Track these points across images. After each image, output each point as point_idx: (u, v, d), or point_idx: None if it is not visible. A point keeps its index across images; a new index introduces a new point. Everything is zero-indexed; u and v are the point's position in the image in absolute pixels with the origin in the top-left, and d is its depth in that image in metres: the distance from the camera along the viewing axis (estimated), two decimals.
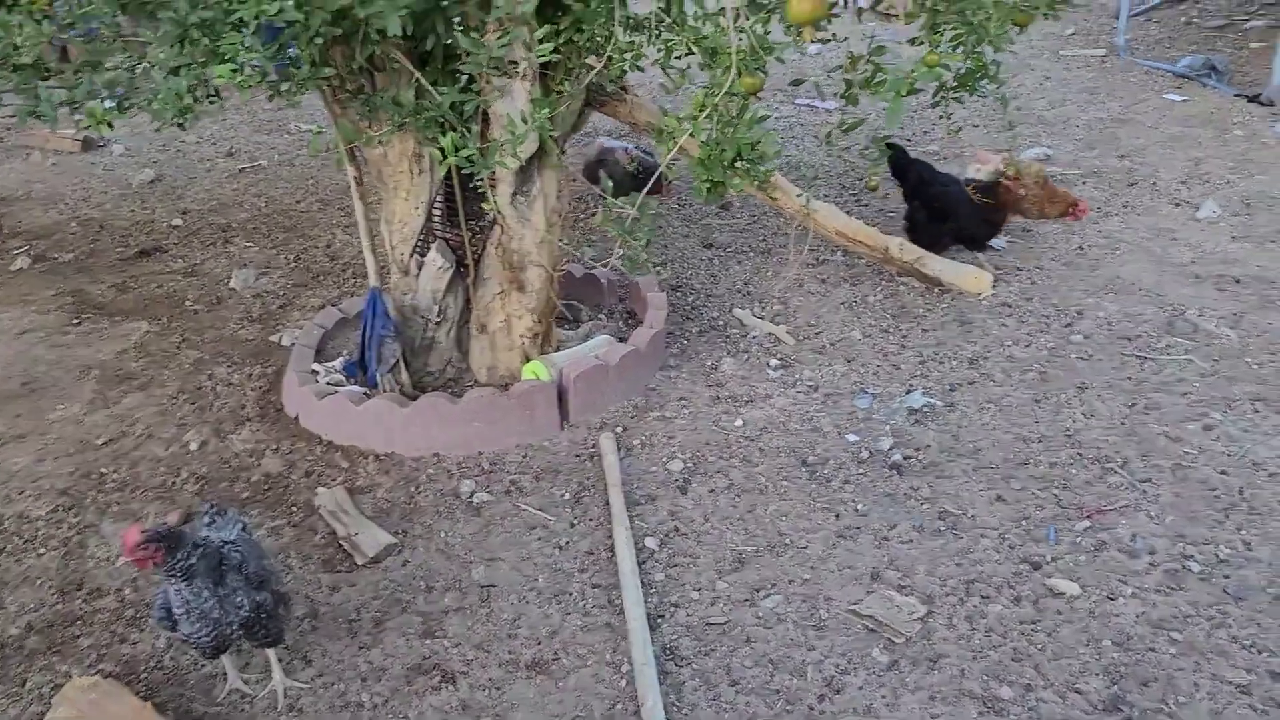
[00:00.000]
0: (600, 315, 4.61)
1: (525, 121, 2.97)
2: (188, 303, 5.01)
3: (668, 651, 2.89)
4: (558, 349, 4.16)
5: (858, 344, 4.39)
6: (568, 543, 3.34)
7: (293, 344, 4.34)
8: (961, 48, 3.30)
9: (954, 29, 3.25)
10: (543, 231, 3.80)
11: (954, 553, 3.20)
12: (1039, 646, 2.84)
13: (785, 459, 3.68)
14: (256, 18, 2.64)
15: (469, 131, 3.10)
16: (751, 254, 5.25)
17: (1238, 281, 4.65)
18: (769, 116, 3.15)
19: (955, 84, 3.71)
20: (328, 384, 3.99)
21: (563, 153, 3.97)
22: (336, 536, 3.38)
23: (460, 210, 3.81)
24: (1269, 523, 3.22)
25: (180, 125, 2.97)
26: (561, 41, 3.27)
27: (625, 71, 3.30)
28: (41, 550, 3.38)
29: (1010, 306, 4.59)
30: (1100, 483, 3.47)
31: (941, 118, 4.38)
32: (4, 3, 3.04)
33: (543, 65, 3.36)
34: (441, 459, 3.75)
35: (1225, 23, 8.43)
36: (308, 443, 3.86)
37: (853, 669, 2.81)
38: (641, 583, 3.10)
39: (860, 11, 3.62)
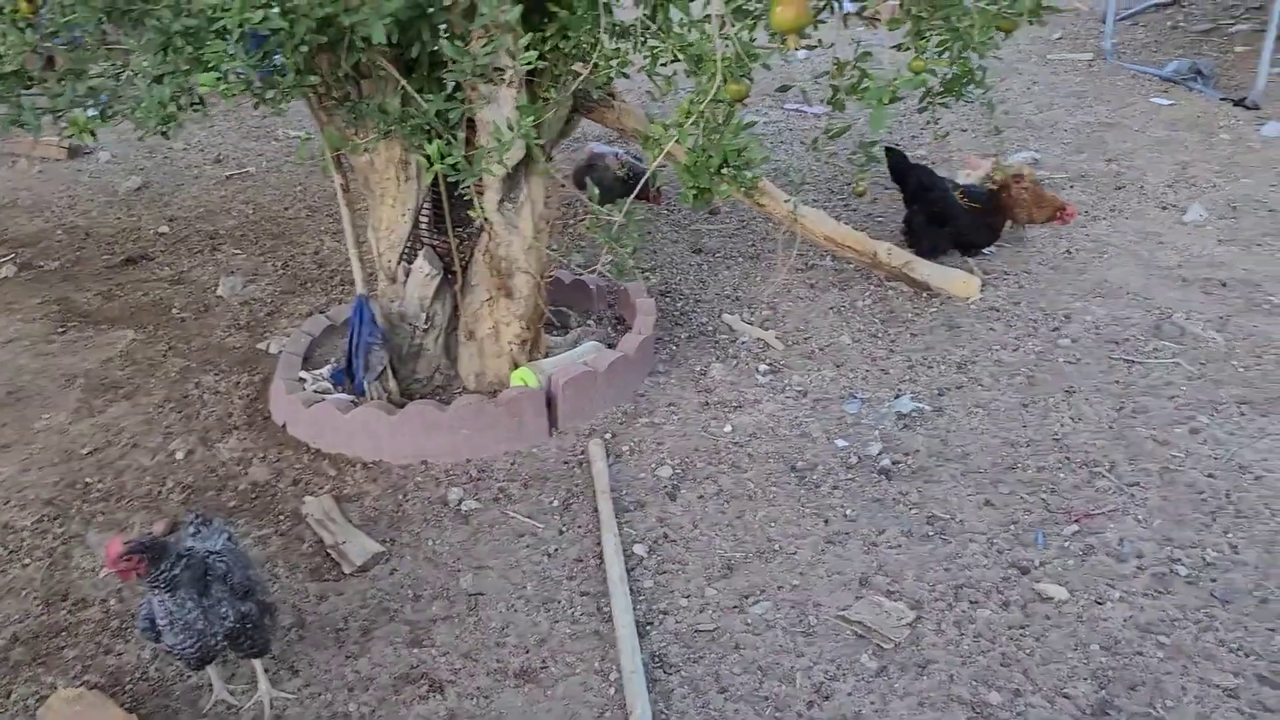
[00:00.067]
0: (589, 321, 4.60)
1: (511, 129, 2.96)
2: (174, 310, 4.99)
3: (656, 659, 2.88)
4: (546, 355, 4.15)
5: (847, 349, 4.39)
6: (556, 550, 3.33)
7: (280, 352, 4.32)
8: (947, 53, 3.31)
9: (939, 35, 3.26)
10: (530, 238, 3.80)
11: (942, 558, 3.20)
12: (1027, 651, 2.84)
13: (774, 465, 3.68)
14: (240, 26, 2.63)
15: (454, 139, 3.09)
16: (741, 259, 5.26)
17: (1224, 285, 4.67)
18: (755, 123, 3.16)
19: (942, 89, 3.72)
20: (315, 392, 3.97)
21: (550, 159, 3.97)
22: (324, 545, 3.37)
23: (448, 217, 3.80)
24: (1255, 525, 3.23)
25: (164, 134, 2.95)
26: (548, 49, 3.27)
27: (611, 79, 3.30)
28: (26, 561, 3.36)
29: (998, 311, 4.60)
30: (1088, 487, 3.47)
31: (929, 123, 4.39)
32: None
33: (529, 72, 3.36)
34: (429, 466, 3.74)
35: (1211, 27, 8.47)
36: (295, 451, 3.84)
37: (842, 675, 2.80)
38: (630, 590, 3.09)
39: (846, 17, 3.62)
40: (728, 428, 3.90)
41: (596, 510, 3.44)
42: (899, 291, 4.81)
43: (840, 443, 3.77)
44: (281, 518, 3.52)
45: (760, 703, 2.74)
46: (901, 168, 5.05)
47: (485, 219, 3.64)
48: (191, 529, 2.78)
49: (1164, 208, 5.49)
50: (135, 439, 3.97)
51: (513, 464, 3.76)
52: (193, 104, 3.01)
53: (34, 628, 3.08)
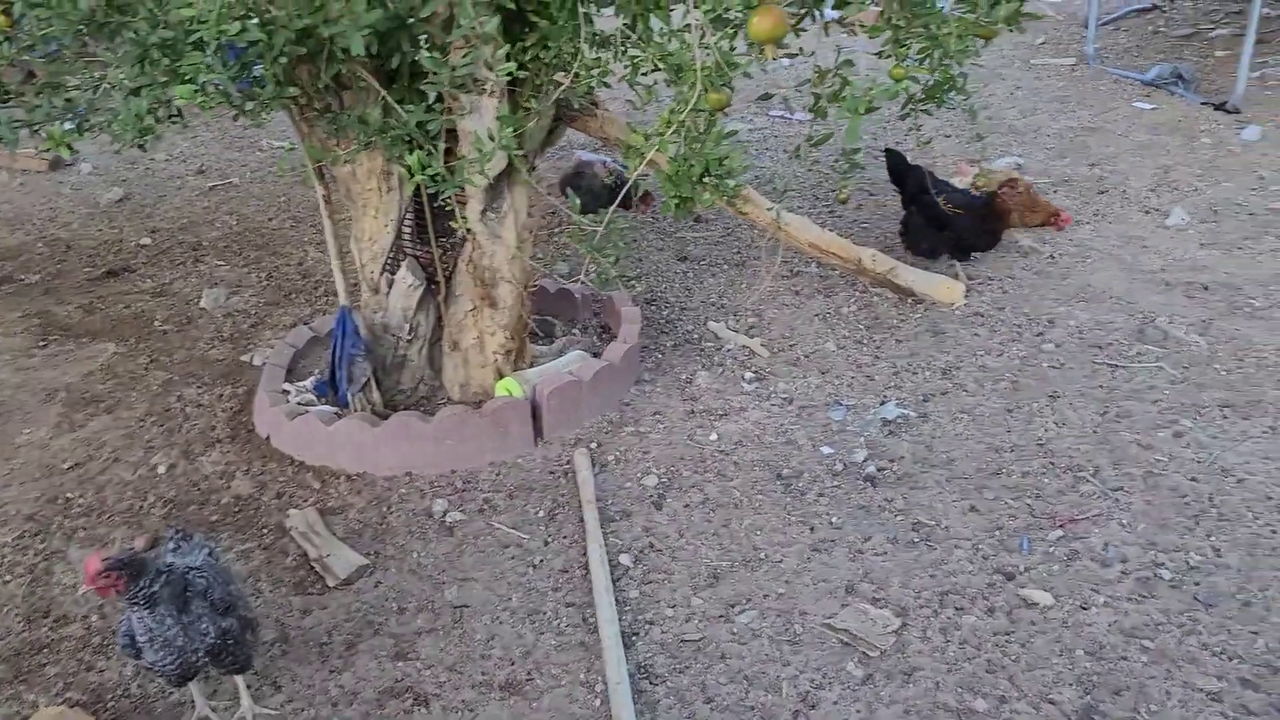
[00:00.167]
0: (574, 330, 4.59)
1: (492, 139, 2.96)
2: (156, 323, 4.96)
3: (642, 670, 2.87)
4: (531, 365, 4.14)
5: (832, 356, 4.40)
6: (541, 561, 3.31)
7: (264, 363, 4.30)
8: (928, 61, 3.32)
9: (920, 43, 3.27)
10: (514, 248, 3.79)
11: (928, 564, 3.20)
12: (1013, 658, 2.84)
13: (760, 472, 3.67)
14: (218, 37, 2.62)
15: (435, 149, 3.08)
16: (726, 267, 5.26)
17: (1206, 288, 4.70)
18: (736, 132, 3.16)
19: (924, 96, 3.73)
20: (299, 404, 3.95)
21: (533, 169, 3.97)
22: (308, 558, 3.35)
23: (430, 227, 3.79)
24: (1237, 529, 3.24)
25: (141, 146, 2.94)
26: (528, 58, 3.26)
27: (592, 88, 3.30)
28: (7, 577, 3.33)
29: (982, 316, 4.62)
30: (1072, 491, 3.48)
31: (911, 130, 4.40)
32: None
33: (511, 82, 3.35)
34: (414, 478, 3.72)
35: (1192, 32, 8.53)
36: (279, 464, 3.82)
37: (828, 684, 2.80)
38: (616, 600, 3.08)
39: (827, 25, 3.63)
40: (713, 436, 3.89)
41: (582, 520, 3.43)
42: (884, 298, 4.82)
43: (826, 450, 3.77)
44: (265, 531, 3.49)
45: (746, 712, 2.73)
46: (900, 169, 5.04)
47: (468, 229, 3.63)
48: (171, 545, 2.76)
49: (1146, 212, 5.52)
50: (117, 453, 3.94)
51: (498, 475, 3.74)
52: (170, 116, 2.99)
53: (15, 645, 3.05)
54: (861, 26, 3.39)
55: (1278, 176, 5.76)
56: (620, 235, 3.14)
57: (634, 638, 2.98)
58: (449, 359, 4.08)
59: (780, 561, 3.25)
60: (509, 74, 2.90)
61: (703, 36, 2.67)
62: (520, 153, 3.29)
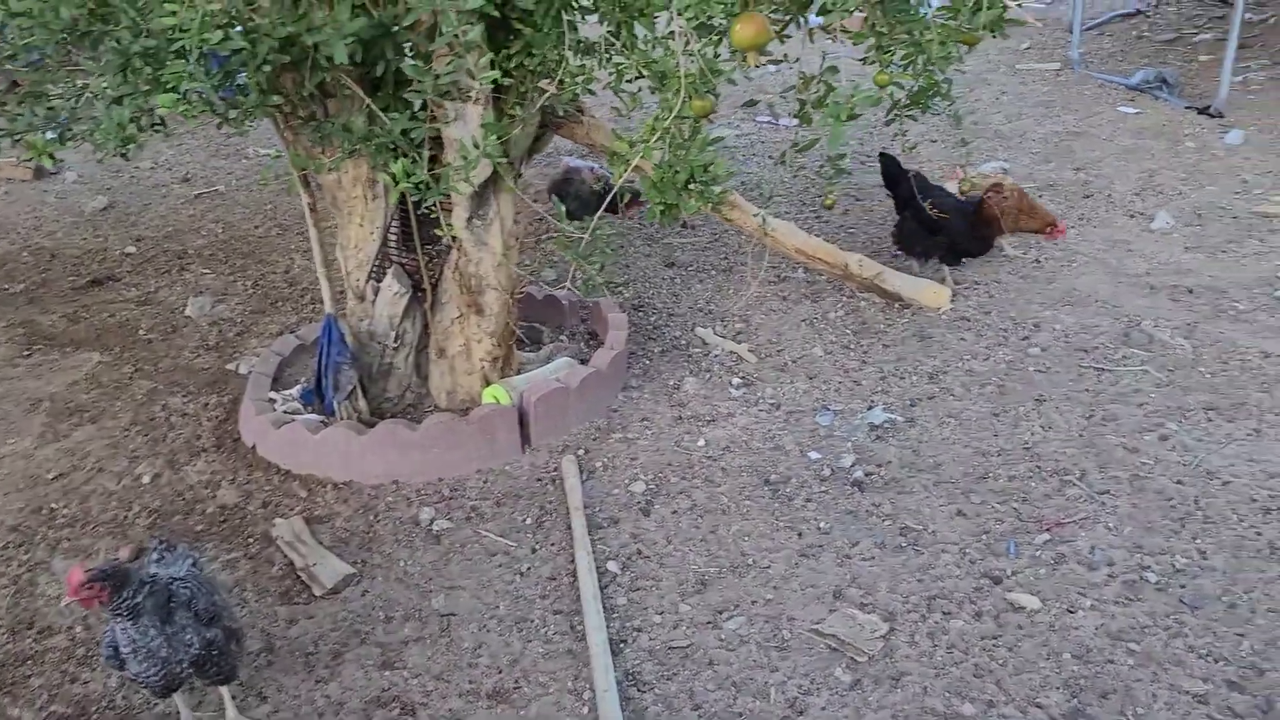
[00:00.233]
0: (562, 337, 4.59)
1: (477, 147, 2.95)
2: (141, 332, 4.94)
3: (630, 677, 2.87)
4: (518, 372, 4.13)
5: (819, 361, 4.40)
6: (529, 569, 3.31)
7: (249, 372, 4.28)
8: (912, 67, 3.33)
9: (903, 49, 3.28)
10: (500, 255, 3.78)
11: (915, 569, 3.20)
12: (1000, 662, 2.85)
13: (747, 478, 3.67)
14: (200, 46, 2.61)
15: (419, 157, 3.08)
16: (713, 272, 5.26)
17: (1190, 291, 4.72)
18: (722, 138, 3.17)
19: (909, 102, 3.74)
20: (285, 412, 3.94)
21: (519, 176, 3.97)
22: (294, 568, 3.33)
23: (416, 235, 3.78)
24: (1223, 531, 3.26)
25: (124, 155, 2.93)
26: (513, 66, 3.26)
27: (577, 95, 3.30)
28: None
29: (969, 320, 4.63)
30: (1059, 495, 3.49)
31: (897, 135, 4.42)
32: None
33: (496, 89, 3.35)
34: (401, 486, 3.71)
35: (1175, 36, 8.60)
36: (265, 472, 3.80)
37: (816, 690, 2.79)
38: (604, 607, 3.08)
39: (811, 32, 3.64)
40: (701, 442, 3.89)
41: (569, 527, 3.43)
42: (871, 303, 4.83)
43: (813, 455, 3.78)
44: (251, 541, 3.48)
45: (734, 719, 2.72)
46: (894, 173, 5.04)
47: (454, 236, 3.62)
48: (155, 555, 2.74)
49: (1131, 215, 5.55)
50: (101, 463, 3.91)
51: (485, 482, 3.73)
52: (153, 125, 2.98)
53: None
54: (845, 33, 3.40)
55: (1261, 180, 5.80)
56: (607, 242, 3.14)
57: (622, 645, 2.98)
58: (435, 366, 4.07)
59: (768, 567, 3.25)
60: (493, 81, 2.90)
61: (687, 44, 2.68)
62: (505, 160, 3.28)
